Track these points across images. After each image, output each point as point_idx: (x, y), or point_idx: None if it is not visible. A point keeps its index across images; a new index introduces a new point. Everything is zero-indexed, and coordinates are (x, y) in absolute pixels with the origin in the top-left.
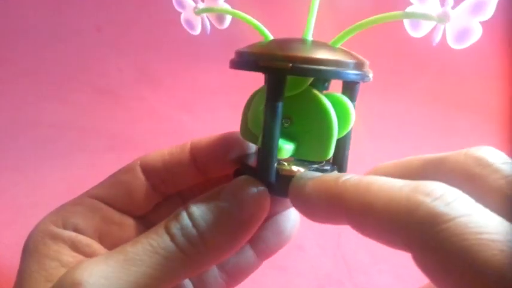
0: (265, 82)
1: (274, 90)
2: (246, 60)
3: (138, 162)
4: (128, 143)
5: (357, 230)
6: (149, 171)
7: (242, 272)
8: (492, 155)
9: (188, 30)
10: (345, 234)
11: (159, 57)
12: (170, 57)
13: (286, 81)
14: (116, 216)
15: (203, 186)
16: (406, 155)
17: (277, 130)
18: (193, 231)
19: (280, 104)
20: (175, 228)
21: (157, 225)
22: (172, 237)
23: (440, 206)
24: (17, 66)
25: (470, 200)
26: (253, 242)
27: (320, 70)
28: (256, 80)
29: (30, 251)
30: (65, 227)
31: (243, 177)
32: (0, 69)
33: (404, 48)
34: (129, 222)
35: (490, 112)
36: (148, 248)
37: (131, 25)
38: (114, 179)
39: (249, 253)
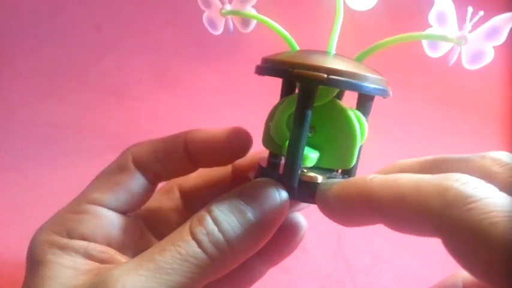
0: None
1: (305, 98)
2: (277, 68)
3: (130, 156)
4: (128, 143)
5: (387, 223)
6: (142, 166)
7: (248, 281)
8: (508, 157)
9: (209, 29)
10: (346, 235)
11: (159, 57)
12: (170, 57)
13: (317, 90)
14: (120, 220)
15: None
16: (407, 156)
17: (305, 137)
18: (220, 236)
19: (309, 112)
20: (201, 234)
21: (181, 230)
22: (199, 244)
23: (468, 188)
24: (16, 66)
25: (494, 187)
26: (260, 250)
27: (352, 83)
28: (259, 81)
29: (37, 261)
30: (71, 237)
31: (262, 179)
32: (0, 69)
33: (405, 48)
34: (131, 222)
35: (491, 113)
36: (177, 256)
37: (131, 25)
38: (111, 181)
39: (256, 261)
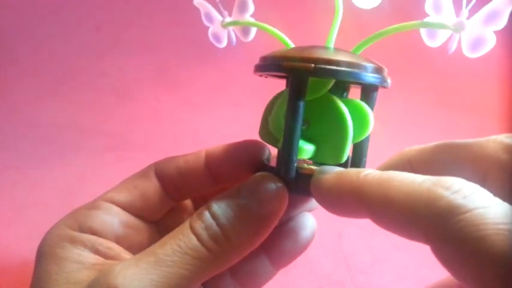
0: (286, 85)
1: (296, 90)
2: (269, 64)
3: (153, 168)
4: (128, 143)
5: (377, 223)
6: (164, 177)
7: (257, 282)
8: None
9: (215, 43)
10: (346, 234)
11: (158, 56)
12: (170, 57)
13: (308, 81)
14: (132, 220)
15: (216, 193)
16: None
17: (299, 129)
18: (218, 230)
19: (301, 104)
20: (200, 228)
21: (182, 226)
22: (198, 237)
23: (458, 198)
24: (16, 66)
25: (488, 194)
26: (269, 251)
27: (341, 71)
28: (259, 80)
29: (47, 254)
30: (81, 231)
31: (260, 173)
32: (0, 69)
33: (405, 48)
34: (144, 227)
35: (491, 113)
36: (177, 248)
37: (131, 24)
38: (129, 184)
39: (264, 262)
